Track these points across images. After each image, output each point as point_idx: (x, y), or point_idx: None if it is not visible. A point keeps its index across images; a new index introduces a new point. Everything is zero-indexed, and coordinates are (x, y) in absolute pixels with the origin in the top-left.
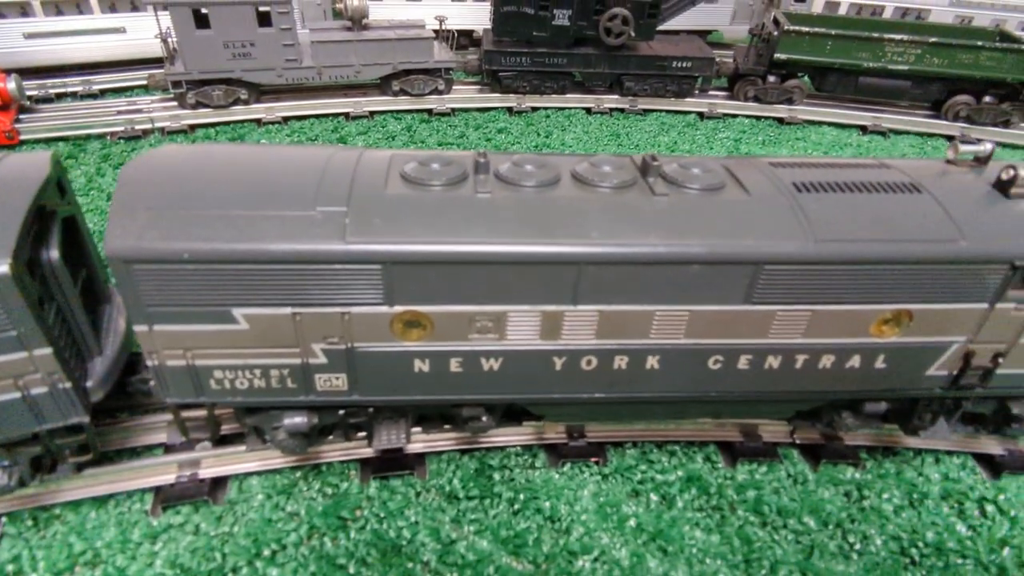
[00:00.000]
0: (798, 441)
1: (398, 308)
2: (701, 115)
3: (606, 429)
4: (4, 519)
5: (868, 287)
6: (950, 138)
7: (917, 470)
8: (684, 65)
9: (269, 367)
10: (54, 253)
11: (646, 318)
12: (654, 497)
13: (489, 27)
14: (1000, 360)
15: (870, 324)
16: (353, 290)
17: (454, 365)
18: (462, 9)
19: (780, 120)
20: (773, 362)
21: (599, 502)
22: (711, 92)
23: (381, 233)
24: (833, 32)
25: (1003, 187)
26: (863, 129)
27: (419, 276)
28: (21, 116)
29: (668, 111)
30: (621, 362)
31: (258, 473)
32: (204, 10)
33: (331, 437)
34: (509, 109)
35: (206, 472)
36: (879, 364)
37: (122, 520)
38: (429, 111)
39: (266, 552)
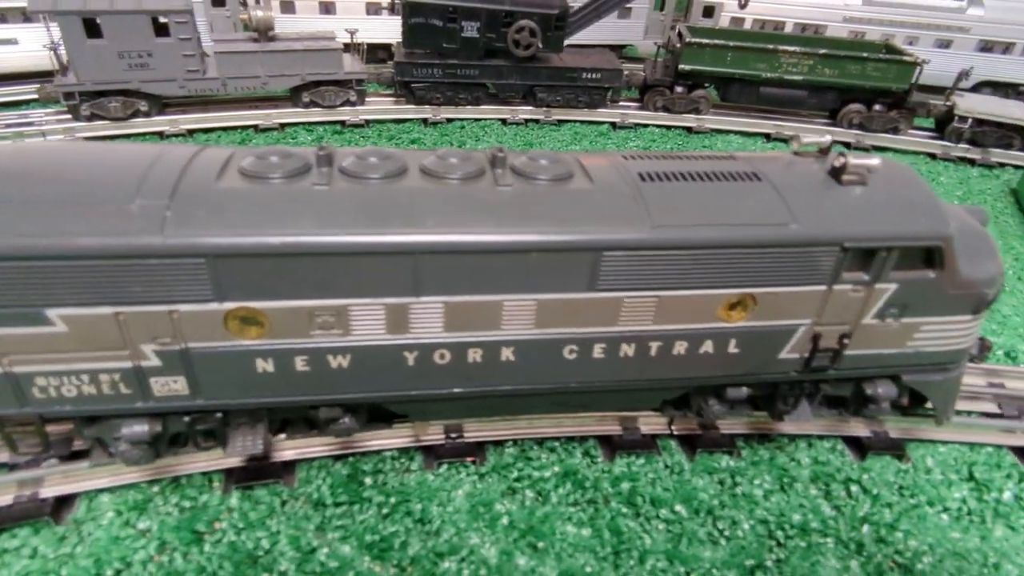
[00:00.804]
0: (676, 432)
1: (230, 304)
2: (614, 125)
3: (485, 428)
4: None
5: (709, 271)
6: (847, 144)
7: (790, 455)
8: (594, 76)
9: (97, 372)
10: None
11: (495, 309)
12: (529, 494)
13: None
14: (846, 341)
15: (717, 309)
16: (178, 286)
17: (300, 364)
18: (376, 22)
19: (689, 129)
20: (628, 350)
21: (472, 502)
22: (623, 103)
23: (205, 226)
24: (732, 44)
25: (836, 174)
26: (767, 137)
27: (249, 270)
28: None
29: (582, 121)
30: (475, 355)
31: (110, 489)
32: (96, 19)
33: (186, 448)
34: (425, 120)
35: (49, 491)
36: (732, 348)
37: None
38: (342, 123)
39: (109, 572)
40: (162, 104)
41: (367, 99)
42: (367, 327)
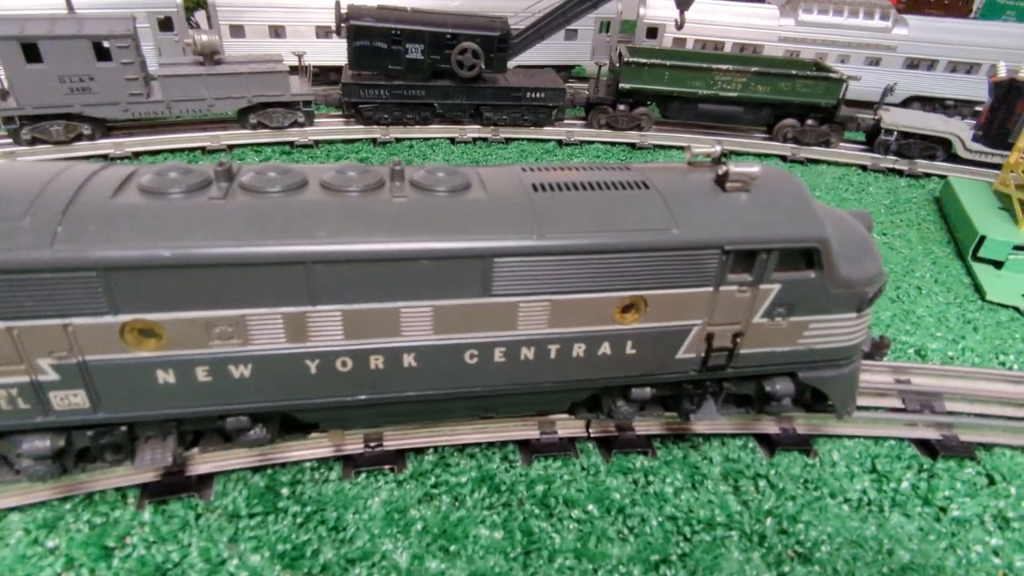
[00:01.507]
0: (593, 435)
1: (125, 317)
2: (560, 142)
3: (405, 437)
4: None
5: (598, 276)
6: (783, 158)
7: (703, 454)
8: (538, 95)
9: None
10: None
11: (392, 316)
12: (446, 499)
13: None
14: (739, 340)
15: (610, 311)
16: (71, 300)
17: (201, 374)
18: (326, 45)
19: (632, 145)
20: (528, 353)
21: (388, 508)
22: (568, 120)
23: (95, 240)
24: (668, 63)
25: (720, 182)
26: None
27: (142, 282)
28: None
29: (529, 139)
30: (377, 362)
31: (19, 508)
32: (35, 44)
33: (95, 463)
34: (374, 140)
35: None
36: (629, 350)
37: None
38: (291, 143)
39: None
40: (107, 127)
41: (316, 120)
42: (266, 336)
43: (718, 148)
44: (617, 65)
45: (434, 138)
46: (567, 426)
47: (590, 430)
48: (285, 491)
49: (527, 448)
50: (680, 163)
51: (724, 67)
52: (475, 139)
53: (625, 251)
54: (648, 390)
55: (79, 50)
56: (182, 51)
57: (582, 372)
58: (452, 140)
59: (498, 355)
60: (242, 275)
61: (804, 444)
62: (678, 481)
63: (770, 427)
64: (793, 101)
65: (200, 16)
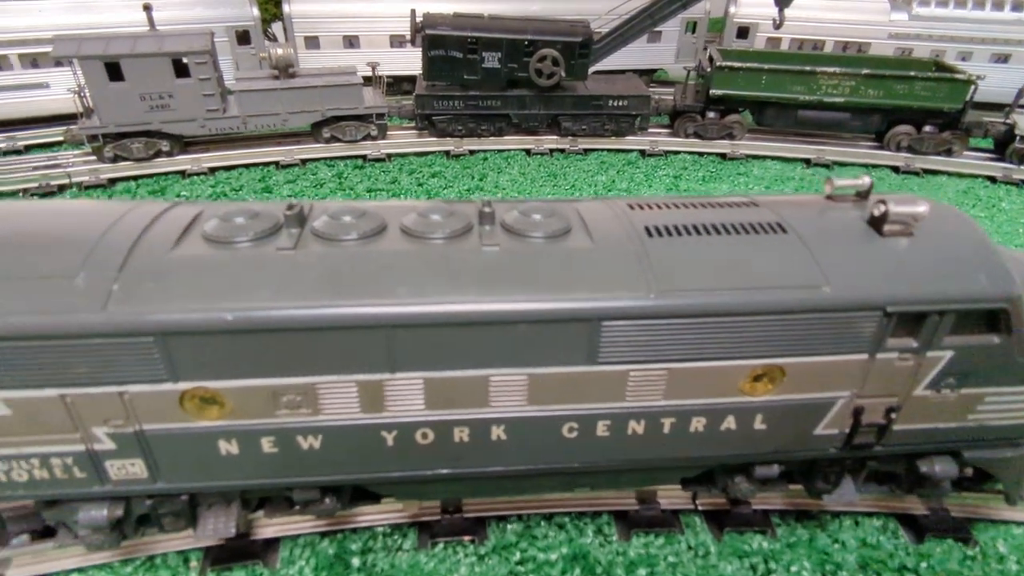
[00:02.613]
0: (701, 507)
1: (184, 385)
2: (643, 152)
3: (486, 503)
4: None
5: (727, 341)
6: (895, 168)
7: (833, 536)
8: (620, 104)
9: (48, 455)
10: None
11: (481, 385)
12: None
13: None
14: (894, 415)
15: (739, 381)
16: (128, 366)
17: (267, 445)
18: (400, 55)
19: (722, 155)
20: (636, 427)
21: None
22: (652, 129)
23: (152, 300)
24: (766, 67)
25: (876, 224)
26: (807, 162)
27: (202, 348)
28: None
29: (609, 150)
30: (462, 434)
31: (80, 570)
32: (118, 63)
33: (154, 528)
34: (447, 152)
35: (16, 573)
36: (758, 425)
37: None
38: (363, 157)
39: None
40: (184, 143)
41: (389, 132)
42: (339, 406)
43: (867, 179)
44: (708, 69)
45: (509, 150)
46: (669, 495)
47: (697, 502)
48: (356, 561)
49: (624, 520)
50: (814, 196)
51: (830, 70)
52: (552, 150)
53: (763, 313)
54: (775, 468)
55: (159, 67)
56: (259, 64)
57: (699, 448)
58: (528, 152)
59: (601, 428)
60: (313, 339)
61: (960, 530)
62: (806, 571)
63: (916, 506)
64: (910, 106)
65: (277, 28)
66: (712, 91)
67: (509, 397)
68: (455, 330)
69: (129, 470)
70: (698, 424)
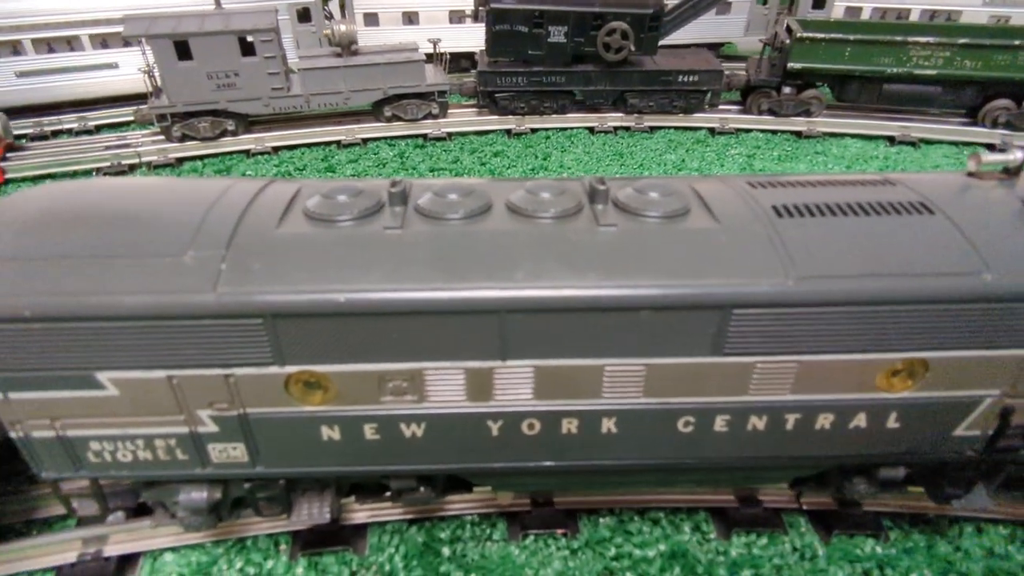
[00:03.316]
0: (806, 507)
1: (292, 368)
2: (712, 131)
3: (578, 495)
4: None
5: (867, 332)
6: (991, 147)
7: (953, 543)
8: (691, 79)
9: (152, 437)
10: None
11: (594, 374)
12: None
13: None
14: None
15: (875, 376)
16: (234, 348)
17: (369, 432)
18: (460, 31)
19: (798, 133)
20: (758, 423)
21: None
22: (722, 106)
23: (261, 281)
24: (851, 38)
25: None
26: (891, 140)
27: (310, 330)
28: (8, 155)
29: (676, 127)
30: (570, 426)
31: (173, 549)
32: (186, 41)
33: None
34: (508, 131)
35: (112, 549)
36: (892, 424)
37: None
38: (424, 136)
39: None
40: (248, 122)
41: (449, 111)
42: (445, 394)
43: (1019, 154)
44: (786, 41)
45: (572, 128)
46: (771, 493)
47: (802, 502)
48: (446, 550)
49: (722, 517)
50: (954, 173)
51: (922, 39)
52: (616, 128)
53: (913, 303)
54: (902, 470)
55: (226, 46)
56: (319, 42)
57: (823, 447)
58: (591, 130)
59: (720, 423)
60: (423, 323)
61: None
62: None
63: None
64: (1011, 78)
65: (333, 6)
66: (790, 64)
67: (624, 388)
68: (573, 316)
69: (230, 454)
70: (825, 421)
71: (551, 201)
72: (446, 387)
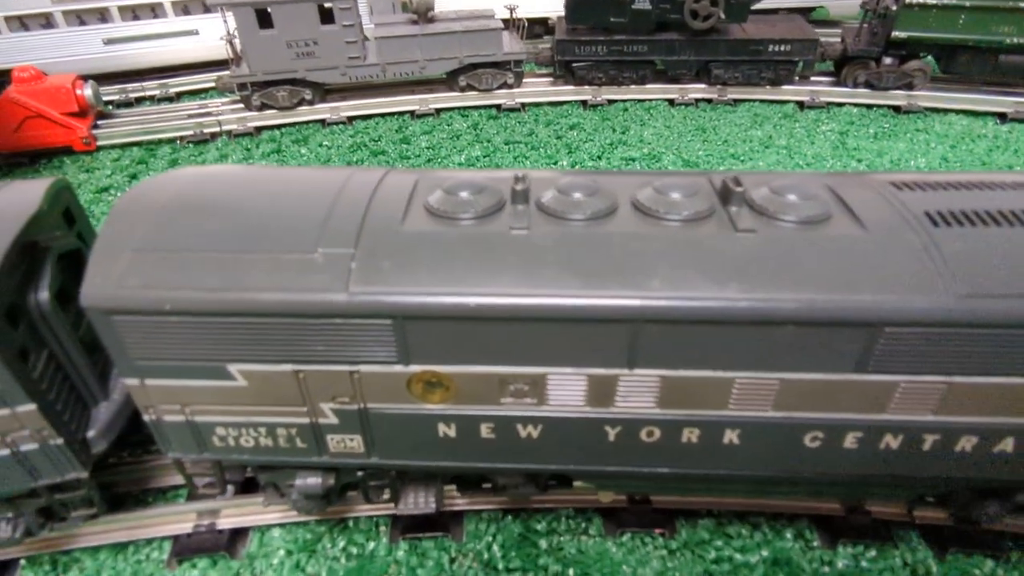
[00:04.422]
0: (918, 521)
1: (415, 368)
2: (801, 104)
3: (677, 496)
4: (23, 562)
5: None
6: None
7: None
8: (782, 49)
9: (275, 426)
10: (44, 295)
11: (723, 386)
12: None
13: (563, 14)
14: None
15: None
16: (362, 347)
17: (485, 431)
18: None
19: (896, 108)
20: (892, 442)
21: None
22: (813, 78)
23: (391, 281)
24: (967, 4)
25: None
26: (1001, 117)
27: (438, 332)
28: (99, 122)
29: (762, 100)
30: (691, 435)
31: (281, 525)
32: (267, 9)
33: (353, 494)
34: (583, 102)
35: (225, 523)
36: None
37: (139, 571)
38: (497, 107)
39: None
40: (324, 92)
41: (523, 80)
42: (566, 398)
43: None
44: (892, 7)
45: (650, 100)
46: (882, 505)
47: (914, 515)
48: (543, 543)
49: (827, 526)
50: None
51: None
52: (697, 100)
53: None
54: None
55: (306, 14)
56: (392, 8)
57: (959, 468)
58: (671, 102)
59: (850, 440)
60: (551, 329)
61: None
62: None
63: None
64: None
65: None
66: (894, 33)
67: (752, 401)
68: (710, 327)
69: (347, 444)
70: (967, 443)
71: (682, 202)
72: (567, 392)
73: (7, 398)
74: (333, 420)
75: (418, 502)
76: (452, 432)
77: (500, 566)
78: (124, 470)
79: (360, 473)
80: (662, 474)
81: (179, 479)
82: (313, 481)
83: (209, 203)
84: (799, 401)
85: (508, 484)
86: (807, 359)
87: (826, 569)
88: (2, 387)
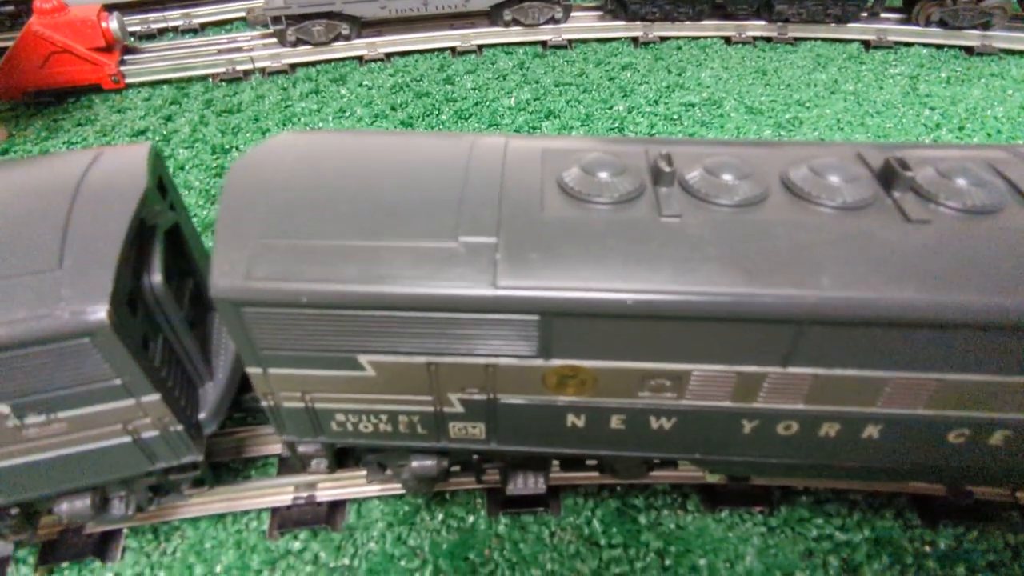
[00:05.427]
0: (1021, 502)
1: (556, 362)
2: (866, 44)
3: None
4: (126, 531)
5: None
6: None
7: None
8: None
9: (397, 413)
10: (156, 277)
11: (876, 384)
12: (833, 562)
13: None
14: None
15: None
16: (502, 340)
17: (615, 422)
18: None
19: (968, 50)
20: None
21: (767, 564)
22: (882, 15)
23: (539, 275)
24: None
25: None
26: None
27: (585, 328)
28: (125, 57)
29: (824, 39)
30: (830, 429)
31: (380, 498)
32: None
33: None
34: (634, 39)
35: (323, 495)
36: None
37: (240, 541)
38: (543, 43)
39: None
40: (361, 26)
41: (571, 15)
42: (707, 393)
43: None
44: None
45: (704, 37)
46: (983, 486)
47: (1018, 495)
48: (642, 519)
49: (927, 505)
50: None
51: None
52: (755, 38)
53: None
54: None
55: None
56: None
57: None
58: (727, 40)
59: (997, 437)
60: (708, 327)
61: None
62: None
63: None
64: None
65: None
66: None
67: (902, 399)
68: (882, 330)
69: (469, 431)
70: None
71: (841, 187)
72: (710, 387)
73: (132, 388)
74: (459, 409)
75: (527, 483)
76: (581, 423)
77: (602, 542)
78: (219, 442)
79: (475, 456)
80: (790, 464)
81: (271, 450)
82: (429, 464)
83: (330, 181)
84: (952, 400)
85: (620, 466)
86: (974, 360)
87: (928, 549)
88: (128, 378)
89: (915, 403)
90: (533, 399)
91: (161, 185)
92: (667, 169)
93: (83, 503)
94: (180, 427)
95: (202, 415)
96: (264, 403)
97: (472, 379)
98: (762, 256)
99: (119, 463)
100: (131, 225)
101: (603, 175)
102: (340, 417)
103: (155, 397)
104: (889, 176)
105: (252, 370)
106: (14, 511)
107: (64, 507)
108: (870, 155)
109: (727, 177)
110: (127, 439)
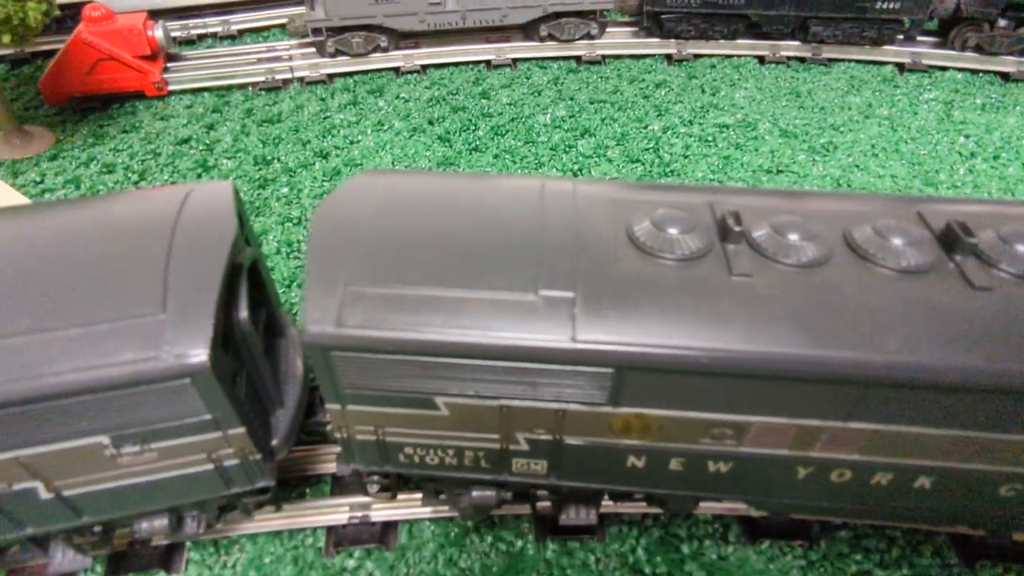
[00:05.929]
0: None
1: (624, 410)
2: (901, 67)
3: None
4: (189, 544)
5: None
6: None
7: None
8: (891, 6)
9: (464, 448)
10: (243, 314)
11: (933, 441)
12: None
13: None
14: None
15: None
16: (575, 389)
17: (674, 464)
18: None
19: (1005, 76)
20: None
21: None
22: (918, 38)
23: (616, 330)
24: None
25: None
26: None
27: (656, 380)
28: (168, 65)
29: (858, 61)
30: (882, 479)
31: (432, 520)
32: None
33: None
34: (668, 57)
35: (377, 515)
36: None
37: (298, 557)
38: (577, 58)
39: None
40: (399, 38)
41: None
42: (766, 441)
43: None
44: None
45: (738, 56)
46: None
47: None
48: (684, 548)
49: (966, 545)
50: None
51: None
52: (789, 58)
53: None
54: None
55: None
56: None
57: None
58: (761, 60)
59: None
60: (774, 383)
61: None
62: None
63: None
64: None
65: None
66: None
67: (956, 453)
68: (944, 393)
69: (531, 467)
70: None
71: (904, 250)
72: (770, 436)
73: (220, 423)
74: (524, 447)
75: (579, 514)
76: (641, 463)
77: (647, 570)
78: (280, 461)
79: (535, 491)
80: (840, 508)
81: (326, 469)
82: (489, 495)
83: (412, 226)
84: (1005, 455)
85: (672, 502)
86: None
87: None
88: (219, 413)
89: (971, 458)
90: (597, 441)
91: (240, 220)
92: (736, 229)
93: (161, 522)
94: (259, 456)
95: (274, 442)
96: (337, 434)
97: (541, 422)
98: (829, 317)
99: (199, 488)
100: (226, 269)
101: (673, 231)
102: (408, 450)
103: (240, 430)
104: (951, 240)
105: (331, 406)
106: (97, 528)
107: (144, 525)
108: (930, 213)
109: (793, 237)
110: (210, 466)
